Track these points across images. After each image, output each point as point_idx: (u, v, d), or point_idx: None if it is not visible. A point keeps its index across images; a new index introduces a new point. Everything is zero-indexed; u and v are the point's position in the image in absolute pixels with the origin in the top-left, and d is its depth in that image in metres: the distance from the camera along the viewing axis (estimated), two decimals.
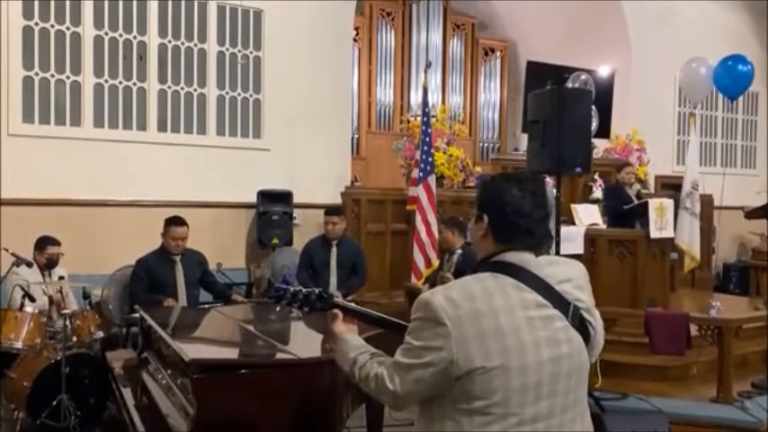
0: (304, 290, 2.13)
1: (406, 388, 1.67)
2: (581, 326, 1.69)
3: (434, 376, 1.61)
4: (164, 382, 3.18)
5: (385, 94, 10.14)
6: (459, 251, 5.21)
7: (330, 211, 5.76)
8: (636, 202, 6.97)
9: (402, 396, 1.69)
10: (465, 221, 5.84)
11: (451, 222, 5.37)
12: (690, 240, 7.01)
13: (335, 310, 2.06)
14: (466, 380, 1.58)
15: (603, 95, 8.51)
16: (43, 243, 5.17)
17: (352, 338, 1.95)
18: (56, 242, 5.20)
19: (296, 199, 7.02)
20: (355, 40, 9.18)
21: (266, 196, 6.88)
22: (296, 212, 7.03)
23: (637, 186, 7.52)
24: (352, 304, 2.13)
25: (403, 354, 1.69)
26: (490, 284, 1.64)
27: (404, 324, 1.86)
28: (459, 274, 4.99)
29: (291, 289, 2.15)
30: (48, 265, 5.13)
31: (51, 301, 4.83)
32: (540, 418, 1.61)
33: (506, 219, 1.69)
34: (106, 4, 6.36)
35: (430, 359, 1.60)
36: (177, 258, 5.05)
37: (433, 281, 5.52)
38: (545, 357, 1.61)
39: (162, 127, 6.71)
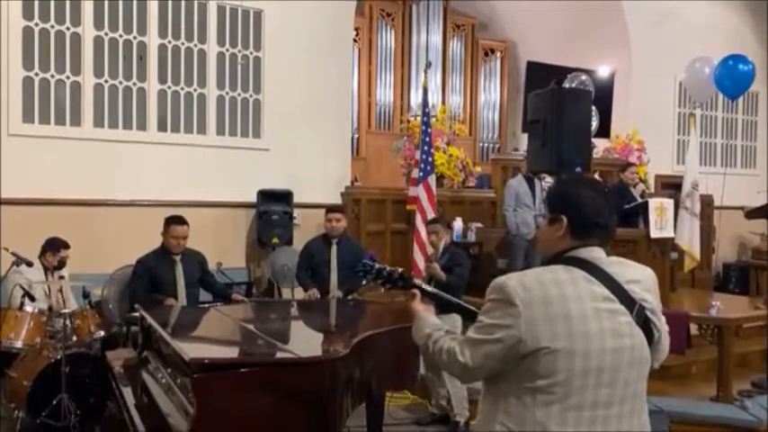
0: (388, 268, 2.25)
1: (477, 361, 1.79)
2: (645, 325, 1.78)
3: (503, 352, 1.73)
4: (164, 381, 3.19)
5: (385, 94, 10.15)
6: (443, 246, 5.19)
7: (333, 208, 5.75)
8: (640, 201, 7.00)
9: (472, 368, 1.81)
10: (445, 220, 5.85)
11: (443, 223, 5.39)
12: (690, 240, 7.02)
13: (414, 290, 2.17)
14: (531, 358, 1.69)
15: (603, 95, 8.53)
16: (57, 246, 5.23)
17: (428, 317, 2.08)
18: (67, 245, 5.30)
19: (296, 199, 7.02)
20: (355, 40, 9.19)
21: (266, 196, 6.88)
22: (296, 212, 7.03)
23: (641, 186, 7.54)
24: (430, 287, 2.22)
25: (475, 330, 1.81)
26: (562, 275, 1.76)
27: (474, 310, 2.00)
28: (447, 270, 4.98)
29: (377, 266, 2.26)
30: (57, 268, 5.18)
31: (51, 303, 4.83)
32: (600, 406, 1.71)
33: (585, 217, 1.83)
34: (106, 4, 6.36)
35: (500, 336, 1.73)
36: (177, 258, 5.05)
37: (422, 278, 5.52)
38: (608, 346, 1.70)
39: (162, 127, 6.71)
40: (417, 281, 2.24)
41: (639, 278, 1.83)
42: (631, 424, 1.77)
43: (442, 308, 2.23)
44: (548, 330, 1.68)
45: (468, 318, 2.06)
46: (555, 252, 1.86)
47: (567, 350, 1.67)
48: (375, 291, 6.14)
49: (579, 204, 1.84)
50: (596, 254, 1.81)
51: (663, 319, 1.87)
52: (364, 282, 2.28)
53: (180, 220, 5.05)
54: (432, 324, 2.03)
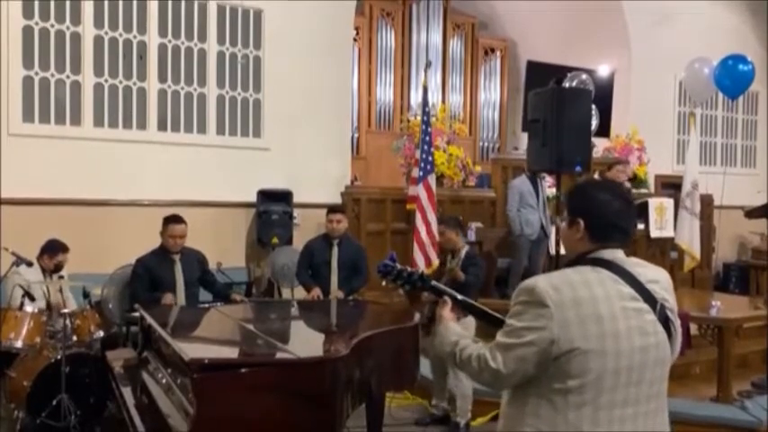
0: (409, 269, 2.25)
1: (510, 366, 1.77)
2: (665, 324, 1.82)
3: (536, 355, 1.73)
4: (164, 381, 3.19)
5: (385, 93, 10.14)
6: (466, 249, 5.20)
7: (334, 208, 5.73)
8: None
9: (505, 374, 1.79)
10: (463, 220, 5.84)
11: (453, 222, 5.35)
12: (690, 240, 7.01)
13: (446, 298, 2.16)
14: (563, 360, 1.70)
15: (603, 95, 8.52)
16: (55, 249, 5.20)
17: (454, 325, 2.08)
18: (66, 249, 5.25)
19: (296, 199, 7.01)
20: (355, 39, 9.18)
21: (266, 196, 6.87)
22: (296, 212, 7.02)
23: (627, 185, 7.50)
24: (451, 290, 2.22)
25: (505, 335, 1.81)
26: (590, 276, 1.78)
27: (498, 316, 2.01)
28: (463, 270, 5.00)
29: (398, 266, 2.26)
30: (54, 271, 5.16)
31: (49, 303, 4.82)
32: (629, 404, 1.75)
33: (603, 220, 1.86)
34: (106, 3, 6.36)
35: (532, 338, 1.73)
36: (176, 257, 5.06)
37: (437, 279, 5.49)
38: (636, 345, 1.75)
39: (162, 126, 6.70)
40: (437, 284, 2.24)
41: (658, 278, 1.87)
42: (655, 422, 1.81)
43: (466, 312, 2.23)
44: (580, 331, 1.70)
45: (491, 323, 2.05)
46: (577, 254, 1.89)
47: (599, 350, 1.70)
48: (374, 292, 6.16)
49: (596, 207, 1.87)
50: (619, 255, 1.85)
51: (678, 320, 1.91)
52: (383, 282, 2.27)
53: (177, 219, 5.06)
54: (458, 332, 2.02)
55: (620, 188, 2.00)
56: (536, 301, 1.73)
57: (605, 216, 1.86)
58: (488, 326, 2.07)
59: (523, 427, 1.77)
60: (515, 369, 1.76)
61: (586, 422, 1.71)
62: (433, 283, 2.23)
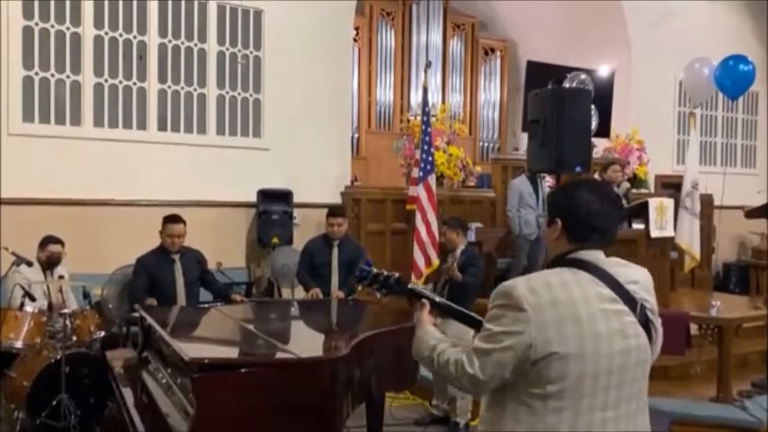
0: (385, 272, 2.24)
1: (488, 372, 1.74)
2: (645, 325, 1.79)
3: (514, 360, 1.70)
4: (164, 381, 3.19)
5: (385, 93, 10.15)
6: (462, 248, 5.20)
7: (334, 211, 5.67)
8: (624, 201, 6.97)
9: (482, 381, 1.76)
10: (465, 221, 5.84)
11: (455, 223, 5.35)
12: (690, 240, 7.01)
13: (424, 301, 2.14)
14: (542, 364, 1.68)
15: (603, 95, 8.52)
16: (45, 241, 5.18)
17: (433, 329, 2.04)
18: (57, 241, 5.20)
19: (296, 198, 7.01)
20: (355, 39, 9.18)
21: (266, 196, 6.88)
22: (296, 212, 7.02)
23: (625, 185, 7.50)
24: (428, 292, 2.20)
25: (483, 340, 1.77)
26: (568, 277, 1.76)
27: (476, 317, 2.01)
28: (461, 270, 5.00)
29: (374, 271, 2.24)
30: (48, 264, 5.12)
31: (50, 303, 4.82)
32: (610, 407, 1.72)
33: (579, 220, 1.83)
34: (106, 3, 6.36)
35: (510, 343, 1.70)
36: (176, 257, 5.06)
37: (436, 279, 5.49)
38: (616, 348, 1.72)
39: (162, 126, 6.70)
40: (414, 286, 2.22)
41: (638, 278, 1.84)
42: (636, 422, 1.79)
43: (445, 314, 2.20)
44: (557, 334, 1.67)
45: (470, 325, 2.04)
46: (556, 255, 1.86)
47: (578, 354, 1.67)
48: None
49: (574, 207, 1.84)
50: (599, 256, 1.82)
51: (659, 320, 1.88)
52: (360, 287, 2.27)
53: (176, 219, 5.07)
54: (437, 336, 1.99)
55: (605, 188, 1.96)
56: (513, 304, 1.71)
57: (582, 216, 1.82)
58: (469, 328, 2.05)
59: (503, 429, 1.76)
60: (493, 374, 1.74)
61: (565, 424, 1.68)
62: (410, 285, 2.21)
